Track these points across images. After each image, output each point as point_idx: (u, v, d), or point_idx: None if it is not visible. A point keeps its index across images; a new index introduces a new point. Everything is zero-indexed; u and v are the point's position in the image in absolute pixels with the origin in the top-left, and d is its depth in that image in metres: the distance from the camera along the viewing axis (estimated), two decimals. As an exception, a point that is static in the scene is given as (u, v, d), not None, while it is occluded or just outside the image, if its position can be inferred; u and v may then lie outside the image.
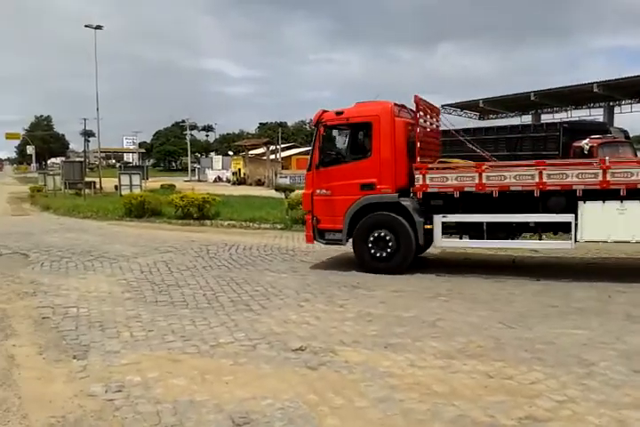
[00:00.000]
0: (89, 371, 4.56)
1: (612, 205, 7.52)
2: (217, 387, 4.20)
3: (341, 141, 9.76)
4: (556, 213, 7.84)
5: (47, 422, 3.63)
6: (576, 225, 7.70)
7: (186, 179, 54.68)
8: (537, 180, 7.78)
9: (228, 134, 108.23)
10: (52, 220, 18.44)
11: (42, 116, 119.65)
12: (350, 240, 8.91)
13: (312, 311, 6.35)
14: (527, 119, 41.46)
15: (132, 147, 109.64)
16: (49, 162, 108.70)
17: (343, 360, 4.75)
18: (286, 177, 48.75)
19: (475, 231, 8.38)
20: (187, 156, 76.25)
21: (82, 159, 54.84)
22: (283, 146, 64.54)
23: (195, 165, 69.74)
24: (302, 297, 7.03)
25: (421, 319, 6.00)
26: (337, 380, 4.33)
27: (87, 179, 31.83)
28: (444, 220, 8.34)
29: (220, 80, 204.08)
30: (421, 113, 8.72)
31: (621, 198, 7.46)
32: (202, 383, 4.27)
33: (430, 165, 8.61)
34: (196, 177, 60.77)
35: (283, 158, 57.85)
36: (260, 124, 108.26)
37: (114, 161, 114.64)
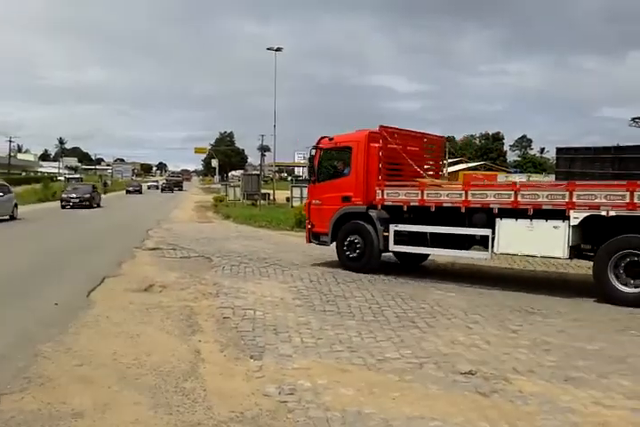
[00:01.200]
0: (264, 371, 4.83)
1: (523, 222, 8.27)
2: (384, 401, 4.19)
3: (332, 162, 11.59)
4: (478, 227, 8.83)
5: (228, 416, 3.90)
6: (493, 239, 8.52)
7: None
8: (463, 198, 8.85)
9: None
10: (232, 227, 20.05)
11: (225, 132, 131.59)
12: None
13: (482, 334, 6.07)
14: None
15: (302, 161, 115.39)
16: (230, 174, 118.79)
17: (517, 389, 4.46)
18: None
19: (419, 239, 9.63)
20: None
21: (258, 172, 58.99)
22: (450, 161, 63.29)
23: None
24: (471, 319, 6.76)
25: (607, 354, 5.42)
26: (511, 410, 4.07)
27: (262, 191, 34.12)
28: (396, 228, 9.72)
29: (388, 95, 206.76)
30: (388, 139, 10.14)
31: (530, 217, 8.18)
32: (369, 396, 4.30)
33: (387, 183, 9.89)
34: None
35: (449, 173, 56.70)
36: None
37: (285, 174, 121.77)
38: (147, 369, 4.83)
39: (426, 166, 11.35)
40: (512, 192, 8.43)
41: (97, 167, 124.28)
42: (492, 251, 8.67)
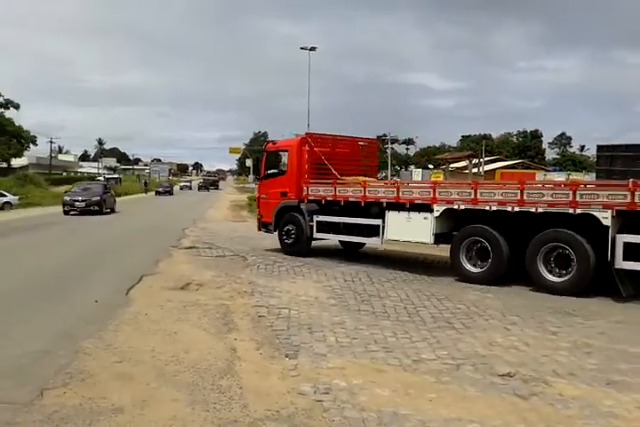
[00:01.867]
0: (299, 370, 4.84)
1: (403, 214, 10.10)
2: (420, 403, 4.15)
3: (274, 162, 13.57)
4: (373, 218, 10.62)
5: (264, 414, 3.92)
6: (383, 227, 10.32)
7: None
8: (362, 194, 10.72)
9: (428, 147, 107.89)
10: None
11: (259, 132, 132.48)
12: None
13: (520, 336, 5.95)
14: None
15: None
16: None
17: (557, 393, 4.35)
18: (489, 192, 47.02)
19: (336, 228, 11.50)
20: (387, 169, 77.86)
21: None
22: (486, 159, 62.30)
23: (395, 179, 70.82)
24: (509, 320, 6.63)
25: (652, 357, 5.25)
26: (550, 413, 3.98)
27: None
28: (317, 219, 11.59)
29: (423, 93, 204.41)
30: (312, 144, 12.02)
31: (408, 210, 9.98)
32: (405, 397, 4.26)
33: (311, 181, 11.82)
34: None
35: (486, 172, 55.81)
36: (463, 136, 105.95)
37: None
38: (184, 366, 4.90)
39: (362, 166, 13.36)
40: (395, 189, 10.30)
41: (135, 167, 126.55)
42: (383, 238, 10.52)
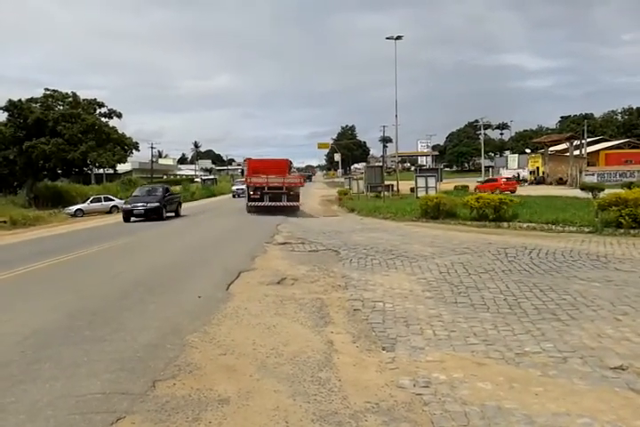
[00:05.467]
0: (397, 363, 4.82)
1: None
2: (525, 397, 4.00)
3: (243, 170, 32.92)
4: (280, 194, 25.20)
5: (364, 407, 3.94)
6: (285, 197, 25.12)
7: (479, 180, 53.95)
8: (265, 181, 25.09)
9: (524, 131, 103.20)
10: (357, 220, 20.24)
11: (347, 126, 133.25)
12: None
13: (633, 327, 5.56)
14: None
15: (425, 150, 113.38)
16: (352, 167, 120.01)
17: (679, 388, 4.03)
18: (593, 174, 44.27)
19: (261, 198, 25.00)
20: (479, 156, 75.31)
21: (380, 164, 58.87)
22: (588, 140, 58.59)
23: (489, 163, 68.59)
24: (620, 310, 6.21)
25: None
26: (672, 410, 3.69)
27: (386, 182, 34.03)
28: (250, 193, 25.06)
29: (517, 75, 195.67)
30: (251, 162, 28.57)
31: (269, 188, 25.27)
32: (509, 391, 4.12)
33: (250, 177, 25.81)
34: (490, 177, 59.48)
35: (588, 154, 52.61)
36: (562, 117, 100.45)
37: (408, 164, 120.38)
38: (284, 359, 5.03)
39: (276, 170, 26.11)
40: (266, 180, 24.88)
41: (229, 167, 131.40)
42: (283, 202, 24.45)
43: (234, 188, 38.99)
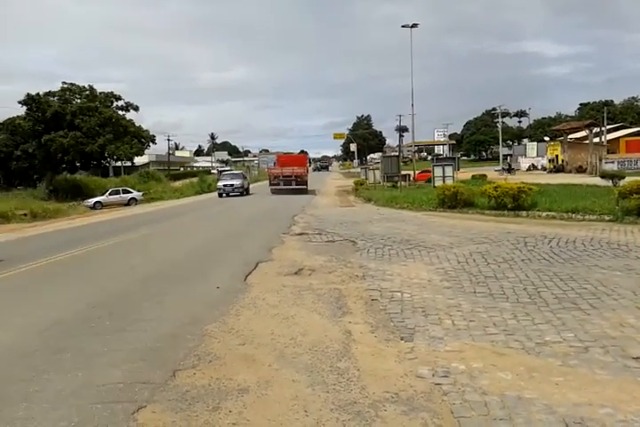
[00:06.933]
0: (416, 353, 4.81)
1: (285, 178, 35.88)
2: (546, 386, 3.96)
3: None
4: (293, 181, 35.39)
5: (383, 397, 3.94)
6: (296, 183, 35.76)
7: (497, 168, 53.36)
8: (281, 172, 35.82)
9: (543, 119, 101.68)
10: (373, 210, 20.15)
11: (362, 115, 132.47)
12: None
13: (656, 316, 5.48)
14: None
15: (442, 139, 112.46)
16: (368, 158, 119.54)
17: None
18: (613, 162, 43.54)
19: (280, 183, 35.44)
20: (497, 144, 74.47)
21: (397, 154, 58.51)
22: (608, 127, 57.56)
23: (507, 151, 67.83)
24: (642, 299, 6.12)
25: None
26: (697, 401, 3.63)
27: (402, 172, 33.85)
28: (272, 180, 36.28)
29: (536, 62, 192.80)
30: (278, 158, 41.91)
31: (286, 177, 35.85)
32: (529, 380, 4.09)
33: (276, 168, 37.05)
34: (508, 166, 58.87)
35: (608, 141, 51.72)
36: (581, 104, 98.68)
37: (425, 154, 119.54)
38: (302, 349, 5.04)
39: (297, 163, 36.36)
40: (288, 169, 35.15)
41: (245, 159, 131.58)
42: (293, 186, 34.62)
43: (220, 184, 36.80)
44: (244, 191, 36.43)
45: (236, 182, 36.04)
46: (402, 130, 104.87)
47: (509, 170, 49.80)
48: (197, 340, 5.42)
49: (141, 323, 6.10)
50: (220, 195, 35.54)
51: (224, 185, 35.84)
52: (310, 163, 72.11)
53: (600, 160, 43.34)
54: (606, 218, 13.29)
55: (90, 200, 34.83)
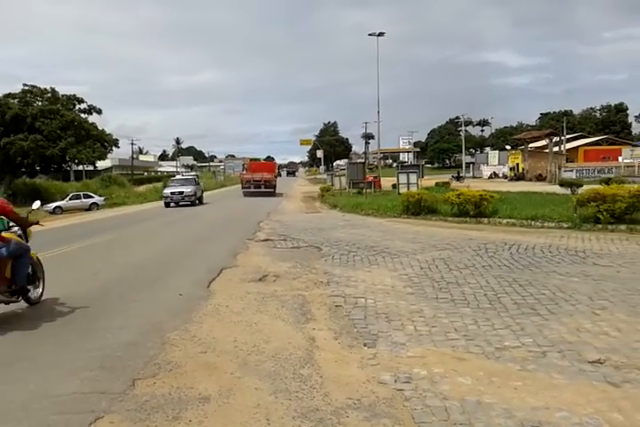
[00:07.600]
0: (378, 359, 4.83)
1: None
2: (505, 391, 4.03)
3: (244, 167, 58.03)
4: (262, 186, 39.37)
5: (345, 403, 3.94)
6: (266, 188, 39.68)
7: (453, 175, 54.50)
8: (251, 177, 40.49)
9: (505, 128, 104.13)
10: (339, 217, 20.21)
11: (329, 122, 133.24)
12: None
13: (610, 321, 5.64)
14: None
15: (407, 147, 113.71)
16: (334, 164, 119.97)
17: (654, 381, 4.10)
18: (572, 170, 44.86)
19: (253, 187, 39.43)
20: (460, 152, 75.79)
21: (363, 160, 58.96)
22: (568, 137, 59.31)
23: (470, 159, 69.28)
24: (598, 304, 6.30)
25: None
26: (647, 402, 3.75)
27: (368, 178, 34.05)
28: (244, 184, 40.80)
29: (499, 72, 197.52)
30: (250, 165, 49.68)
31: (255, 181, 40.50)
32: (488, 385, 4.15)
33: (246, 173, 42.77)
34: (470, 173, 59.99)
35: (567, 150, 53.33)
36: (541, 114, 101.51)
37: (390, 161, 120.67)
38: (266, 356, 5.01)
39: (267, 170, 41.13)
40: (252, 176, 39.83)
41: (210, 164, 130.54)
42: (262, 189, 38.27)
43: (167, 191, 31.72)
44: (197, 200, 31.62)
45: (187, 190, 31.08)
46: (368, 137, 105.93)
47: (458, 178, 51.44)
48: (158, 348, 5.32)
49: (101, 331, 5.96)
50: (167, 204, 30.45)
51: (172, 193, 30.79)
52: (279, 172, 73.00)
53: (559, 169, 44.59)
54: (565, 225, 13.65)
55: (50, 205, 33.97)
